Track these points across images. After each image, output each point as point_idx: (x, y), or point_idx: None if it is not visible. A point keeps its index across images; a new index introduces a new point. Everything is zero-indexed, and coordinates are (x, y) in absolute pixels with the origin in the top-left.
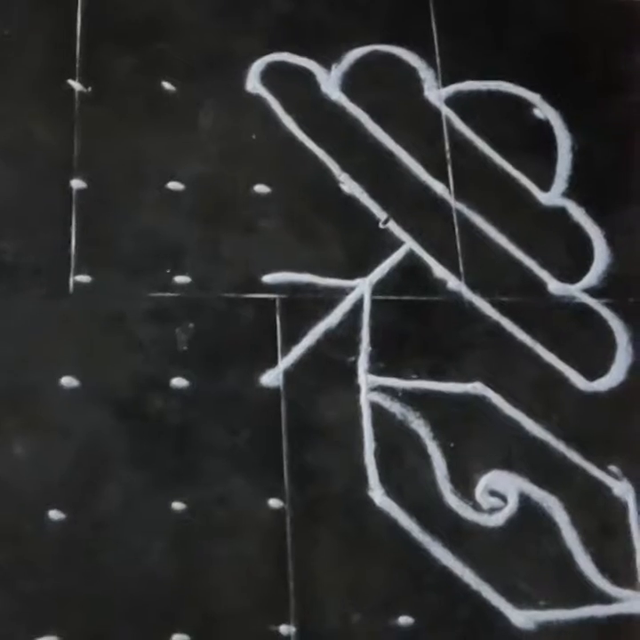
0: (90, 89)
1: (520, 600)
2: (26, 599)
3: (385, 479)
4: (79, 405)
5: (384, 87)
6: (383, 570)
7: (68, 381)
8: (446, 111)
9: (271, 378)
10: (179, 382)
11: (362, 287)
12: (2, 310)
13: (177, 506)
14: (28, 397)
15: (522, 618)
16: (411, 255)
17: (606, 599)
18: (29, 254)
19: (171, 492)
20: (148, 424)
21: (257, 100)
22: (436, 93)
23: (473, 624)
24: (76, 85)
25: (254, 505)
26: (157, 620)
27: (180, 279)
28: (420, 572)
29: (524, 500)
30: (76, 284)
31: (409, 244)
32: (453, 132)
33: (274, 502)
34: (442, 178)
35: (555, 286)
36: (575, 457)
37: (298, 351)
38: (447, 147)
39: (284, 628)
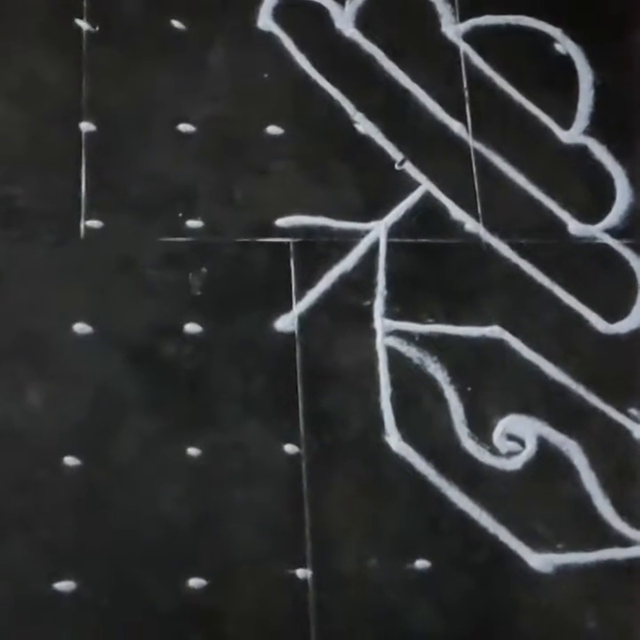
0: (97, 28)
1: (538, 543)
2: (43, 545)
3: (401, 424)
4: (92, 352)
5: (399, 22)
6: (399, 514)
7: (80, 328)
8: (464, 47)
9: (286, 323)
10: (192, 328)
11: (377, 230)
12: (14, 256)
13: (192, 451)
14: (41, 344)
15: (539, 561)
16: (427, 197)
17: (625, 542)
18: (40, 199)
19: (186, 438)
20: (161, 370)
21: (269, 37)
22: (453, 28)
23: (490, 567)
24: (83, 25)
25: (270, 450)
26: (174, 564)
27: (193, 223)
28: (437, 516)
29: (543, 444)
30: (88, 229)
31: (425, 185)
32: (471, 68)
33: (289, 448)
34: (459, 116)
35: (575, 227)
36: (594, 400)
37: (312, 296)
38: (465, 84)
39: (300, 572)
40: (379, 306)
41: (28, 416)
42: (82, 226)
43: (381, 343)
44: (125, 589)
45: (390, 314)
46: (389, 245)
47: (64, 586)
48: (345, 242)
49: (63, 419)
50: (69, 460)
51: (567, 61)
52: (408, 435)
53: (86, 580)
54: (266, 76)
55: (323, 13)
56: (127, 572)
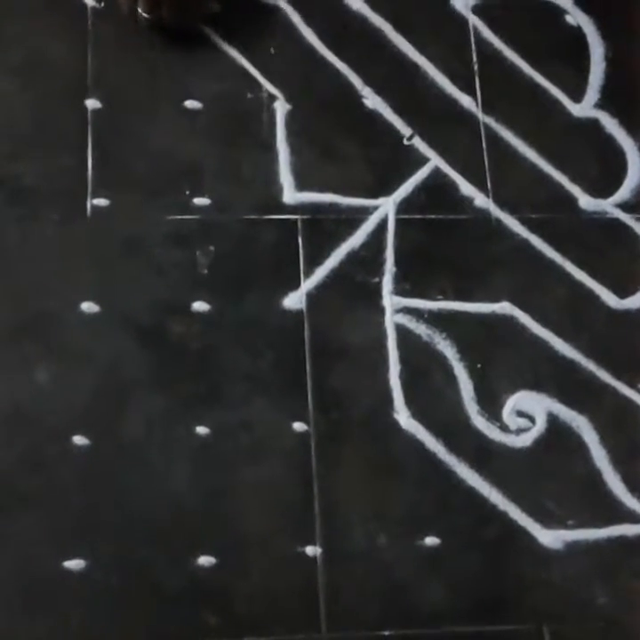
0: (103, 4)
1: (548, 520)
2: (52, 524)
3: (411, 401)
4: (100, 331)
5: None
6: (409, 491)
7: (88, 307)
8: (474, 20)
9: (294, 300)
10: (200, 306)
11: (386, 206)
12: (20, 235)
13: (201, 430)
14: (49, 324)
15: (549, 537)
16: (437, 172)
17: (635, 518)
18: (47, 178)
19: (194, 417)
20: (169, 349)
21: (276, 11)
22: (462, 1)
23: (500, 544)
24: (88, 0)
25: (278, 428)
26: (184, 542)
27: (199, 201)
28: (447, 493)
29: (553, 421)
30: (94, 207)
31: (435, 160)
32: (481, 41)
33: (298, 425)
34: (469, 90)
35: (586, 201)
36: (605, 376)
37: (321, 273)
38: (474, 57)
39: (310, 550)
40: (387, 283)
41: (36, 395)
42: (88, 204)
43: (390, 320)
44: (134, 567)
45: (399, 291)
46: (398, 222)
47: (73, 564)
48: (353, 218)
49: (71, 398)
50: (78, 439)
51: (578, 33)
52: (417, 412)
53: (96, 559)
54: (272, 50)
55: None
56: (136, 550)
